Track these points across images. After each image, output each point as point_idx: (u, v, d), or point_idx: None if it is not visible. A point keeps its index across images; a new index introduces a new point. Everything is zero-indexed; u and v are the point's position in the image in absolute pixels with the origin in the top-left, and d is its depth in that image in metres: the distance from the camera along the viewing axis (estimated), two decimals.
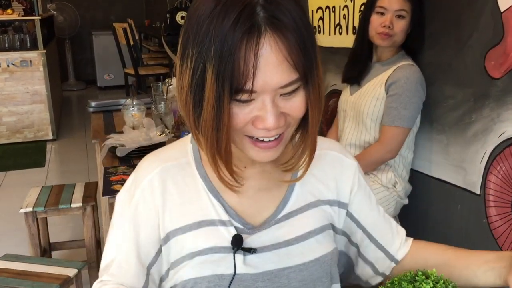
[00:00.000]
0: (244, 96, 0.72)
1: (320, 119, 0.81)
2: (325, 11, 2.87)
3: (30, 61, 4.97)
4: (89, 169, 4.38)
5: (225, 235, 0.86)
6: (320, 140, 0.96)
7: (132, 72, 5.06)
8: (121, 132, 2.17)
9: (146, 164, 0.91)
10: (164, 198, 0.87)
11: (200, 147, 0.83)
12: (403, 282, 0.81)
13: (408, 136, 1.99)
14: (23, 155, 4.81)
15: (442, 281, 0.80)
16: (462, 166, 1.88)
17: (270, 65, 0.70)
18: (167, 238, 0.87)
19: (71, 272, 1.73)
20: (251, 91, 0.71)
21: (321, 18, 2.93)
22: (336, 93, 2.83)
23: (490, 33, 1.70)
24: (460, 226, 1.93)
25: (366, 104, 2.03)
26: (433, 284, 0.79)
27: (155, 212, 0.87)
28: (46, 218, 2.43)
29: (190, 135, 0.91)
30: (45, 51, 5.02)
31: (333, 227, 0.95)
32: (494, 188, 1.74)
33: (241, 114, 0.74)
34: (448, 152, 1.95)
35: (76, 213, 2.35)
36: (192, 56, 0.73)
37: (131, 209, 0.88)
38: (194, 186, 0.88)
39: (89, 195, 2.40)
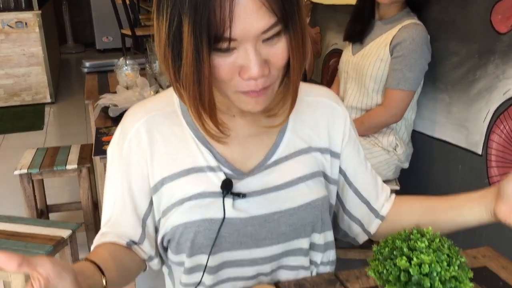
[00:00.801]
0: (224, 45, 0.69)
1: (303, 66, 0.79)
2: None
3: (26, 23, 4.86)
4: (87, 132, 4.34)
5: (214, 181, 0.85)
6: (313, 87, 0.96)
7: (129, 33, 4.93)
8: (115, 93, 2.11)
9: (131, 115, 0.90)
10: (152, 148, 0.86)
11: (182, 100, 0.82)
12: (397, 241, 0.77)
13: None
14: (21, 118, 4.77)
15: (438, 239, 0.76)
16: (464, 125, 1.83)
17: (248, 11, 0.67)
18: (156, 188, 0.87)
19: (65, 233, 1.71)
20: (230, 39, 0.68)
21: None
22: (337, 53, 2.75)
23: None
24: (460, 187, 1.89)
25: (369, 66, 1.95)
26: (428, 242, 0.76)
27: (144, 161, 0.86)
28: (42, 180, 2.40)
29: None
30: (40, 11, 4.90)
31: (325, 175, 0.93)
32: (496, 148, 1.69)
33: (225, 65, 0.72)
34: (451, 111, 1.89)
35: (71, 175, 2.32)
36: (167, 8, 0.71)
37: (122, 162, 0.88)
38: (182, 134, 0.87)
39: (85, 156, 2.36)
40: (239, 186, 0.86)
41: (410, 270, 0.72)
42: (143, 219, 0.88)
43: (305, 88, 0.93)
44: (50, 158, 2.35)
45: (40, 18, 4.88)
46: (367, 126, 1.97)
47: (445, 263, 0.73)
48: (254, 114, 0.86)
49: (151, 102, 0.92)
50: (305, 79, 2.62)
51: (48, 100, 5.13)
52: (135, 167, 0.87)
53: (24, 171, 2.21)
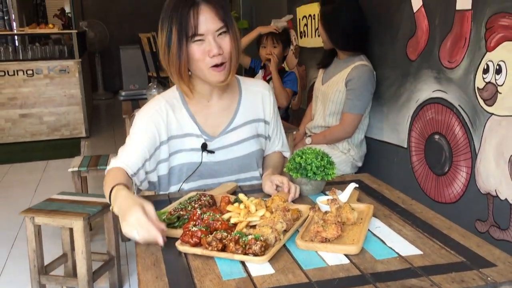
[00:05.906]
0: (197, 38, 1.40)
1: (238, 57, 1.46)
2: (308, 18, 3.56)
3: (68, 68, 5.76)
4: None
5: (197, 143, 1.53)
6: (255, 81, 1.70)
7: (154, 74, 5.81)
8: None
9: (156, 100, 1.55)
10: (168, 118, 1.52)
11: (172, 78, 1.49)
12: (298, 151, 1.47)
13: (364, 118, 2.63)
14: (61, 149, 5.57)
15: (318, 149, 1.46)
16: (396, 128, 2.52)
17: (208, 19, 1.39)
18: (167, 140, 1.51)
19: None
20: (200, 35, 1.39)
21: (306, 25, 3.62)
22: None
23: (408, 28, 2.35)
24: (395, 174, 2.55)
25: (331, 94, 2.66)
26: (312, 151, 1.45)
27: (163, 124, 1.50)
28: (86, 177, 3.13)
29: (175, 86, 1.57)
30: (80, 60, 5.81)
31: (260, 135, 1.63)
32: (414, 141, 2.37)
33: (199, 50, 1.41)
34: (388, 119, 2.59)
35: None
36: (163, 25, 1.42)
37: (145, 120, 1.49)
38: (181, 113, 1.54)
39: None
40: (210, 145, 1.53)
41: (301, 161, 1.42)
42: (143, 163, 1.46)
43: (250, 81, 1.65)
44: (94, 161, 3.09)
45: (80, 65, 5.78)
46: (328, 139, 2.67)
47: (319, 159, 1.42)
48: (220, 98, 1.55)
49: (164, 94, 1.57)
50: (287, 110, 3.34)
51: (84, 134, 5.96)
52: (156, 125, 1.47)
53: (76, 169, 2.95)
